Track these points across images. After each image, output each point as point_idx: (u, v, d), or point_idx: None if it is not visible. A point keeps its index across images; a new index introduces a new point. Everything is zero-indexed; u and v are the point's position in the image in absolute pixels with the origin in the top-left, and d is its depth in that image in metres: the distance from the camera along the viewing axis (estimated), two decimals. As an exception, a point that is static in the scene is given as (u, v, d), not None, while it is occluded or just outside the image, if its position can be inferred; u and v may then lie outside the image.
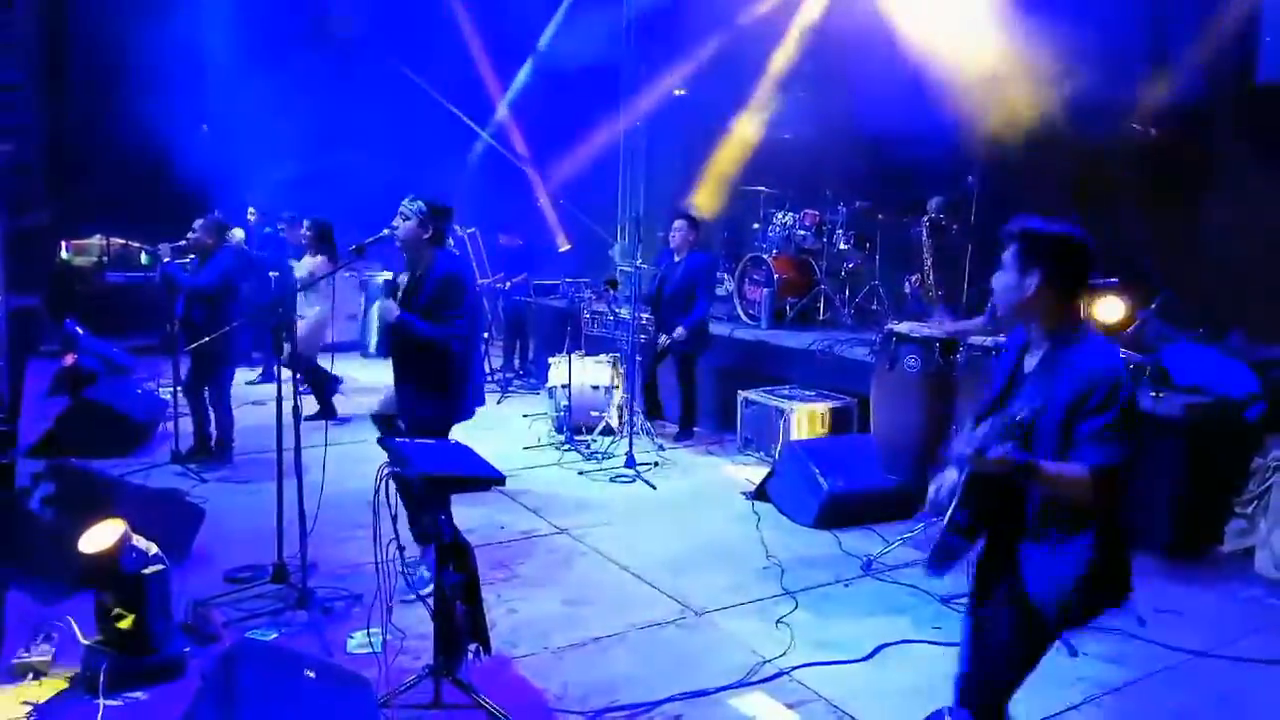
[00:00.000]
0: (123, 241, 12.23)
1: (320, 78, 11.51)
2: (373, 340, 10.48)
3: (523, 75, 12.47)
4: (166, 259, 6.51)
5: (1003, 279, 2.61)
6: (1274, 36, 6.56)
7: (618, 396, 7.36)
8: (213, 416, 6.56)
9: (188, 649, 3.68)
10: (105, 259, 12.18)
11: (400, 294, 4.58)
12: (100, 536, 3.55)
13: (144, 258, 11.96)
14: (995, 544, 2.67)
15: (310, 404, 7.51)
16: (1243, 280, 6.19)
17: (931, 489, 2.77)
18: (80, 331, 8.74)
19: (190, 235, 6.47)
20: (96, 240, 12.36)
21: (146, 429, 7.00)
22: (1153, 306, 5.75)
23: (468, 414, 4.70)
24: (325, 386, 7.82)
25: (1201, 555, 5.12)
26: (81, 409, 6.68)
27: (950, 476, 2.69)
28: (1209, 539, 5.17)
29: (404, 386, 4.65)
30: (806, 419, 6.65)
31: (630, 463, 6.60)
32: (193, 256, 6.50)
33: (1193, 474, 5.10)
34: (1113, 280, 5.61)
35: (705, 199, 9.88)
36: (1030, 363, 2.63)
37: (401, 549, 3.44)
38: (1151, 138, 6.89)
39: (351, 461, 5.18)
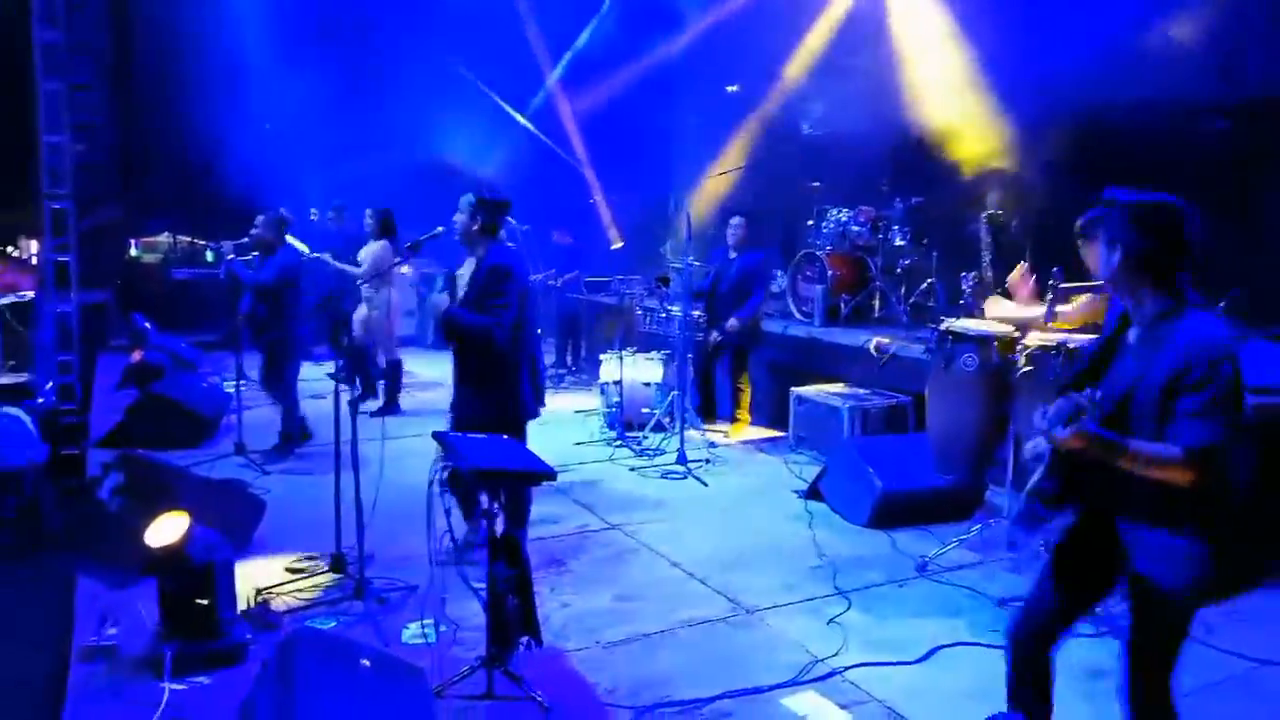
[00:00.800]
0: (189, 239, 12.62)
1: (376, 75, 11.70)
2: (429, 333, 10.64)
3: (559, 69, 12.44)
4: (230, 256, 6.68)
5: (1097, 253, 2.60)
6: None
7: (670, 394, 7.37)
8: (281, 410, 6.71)
9: (249, 636, 3.78)
10: (173, 256, 12.55)
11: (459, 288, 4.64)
12: (166, 531, 3.66)
13: (209, 255, 12.33)
14: (1093, 519, 2.63)
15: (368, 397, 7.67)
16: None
17: (1028, 447, 2.75)
18: (148, 327, 9.02)
19: (252, 232, 6.62)
20: (164, 237, 12.76)
21: (212, 422, 7.20)
22: (1221, 304, 5.57)
23: (530, 413, 4.69)
24: (396, 379, 7.96)
25: (1275, 563, 4.95)
26: (149, 402, 6.90)
27: (1041, 443, 2.67)
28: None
29: (463, 386, 4.69)
30: (861, 417, 6.59)
31: (682, 459, 6.60)
32: (255, 253, 6.65)
33: (1263, 475, 4.93)
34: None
35: (757, 196, 9.82)
36: (1132, 336, 2.59)
37: (455, 540, 3.48)
38: (1221, 130, 6.66)
39: (410, 455, 5.27)
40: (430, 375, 9.41)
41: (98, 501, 4.69)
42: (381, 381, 8.09)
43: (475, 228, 4.56)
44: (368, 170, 10.78)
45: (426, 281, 10.86)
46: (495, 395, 4.56)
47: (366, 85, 11.68)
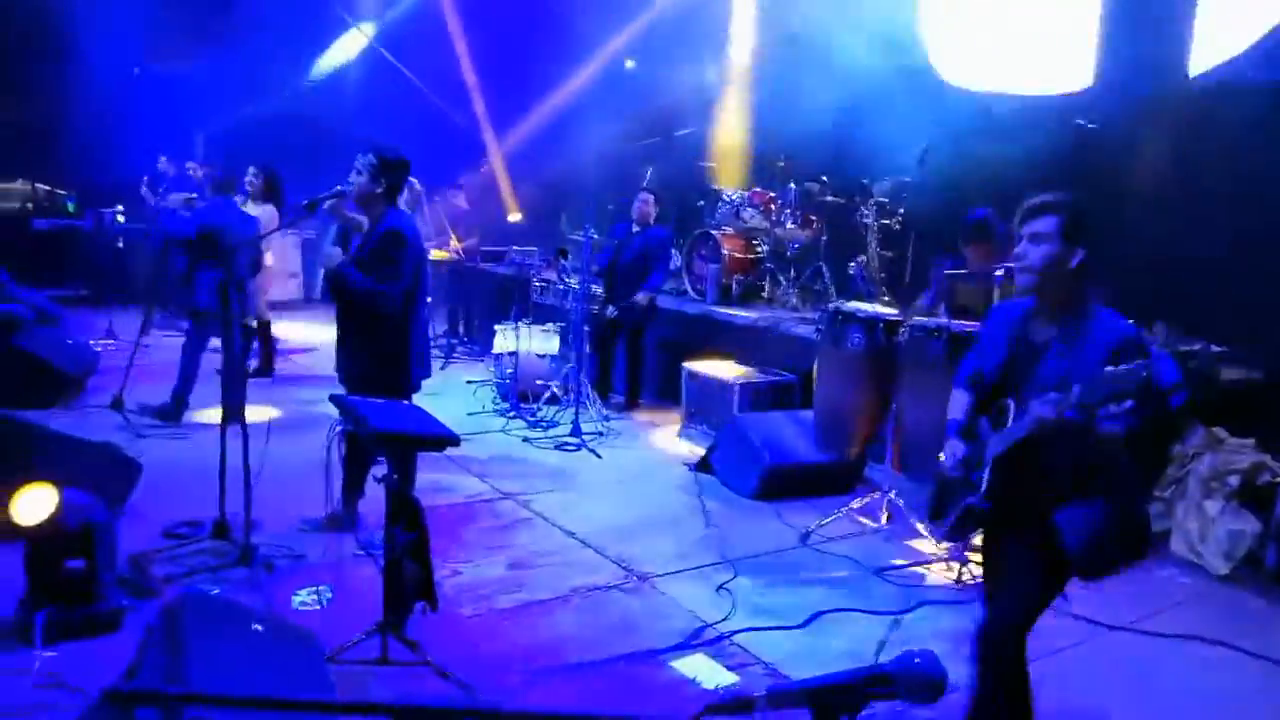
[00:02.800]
0: (48, 187, 11.81)
1: (257, 27, 11.19)
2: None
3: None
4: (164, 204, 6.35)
5: (1040, 249, 2.65)
6: (1204, 33, 6.83)
7: (564, 366, 7.39)
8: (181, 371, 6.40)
9: (126, 602, 3.63)
10: (29, 206, 11.73)
11: (351, 247, 4.50)
12: (33, 506, 3.45)
13: (69, 206, 11.59)
14: (1014, 510, 2.73)
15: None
16: (1164, 275, 6.47)
17: (945, 456, 2.87)
18: (6, 278, 8.42)
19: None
20: (19, 184, 11.90)
21: (77, 380, 6.80)
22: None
23: (413, 384, 4.58)
24: (266, 341, 7.69)
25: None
26: (9, 356, 6.45)
27: (958, 447, 2.81)
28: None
29: (343, 346, 4.58)
30: (750, 393, 6.76)
31: (576, 431, 6.64)
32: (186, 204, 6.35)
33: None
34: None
35: (657, 173, 9.91)
36: (1042, 335, 2.71)
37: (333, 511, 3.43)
38: (1090, 130, 7.11)
39: (292, 421, 5.13)
40: (306, 338, 9.14)
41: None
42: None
43: (379, 190, 4.43)
44: (244, 123, 10.37)
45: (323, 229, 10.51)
46: (380, 359, 4.46)
47: (243, 36, 11.13)
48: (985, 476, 2.68)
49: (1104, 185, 6.95)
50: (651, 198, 7.63)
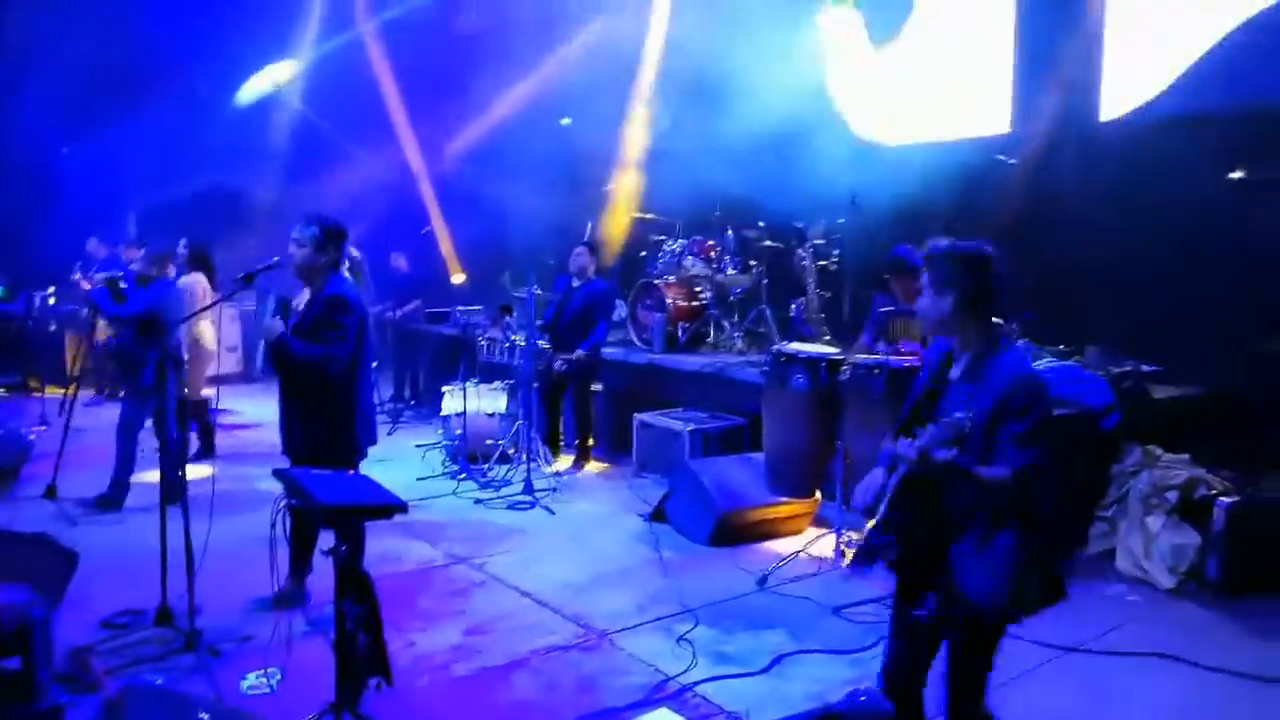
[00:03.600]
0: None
1: (187, 99, 11.17)
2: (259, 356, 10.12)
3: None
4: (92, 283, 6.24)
5: (923, 301, 2.79)
6: (1113, 79, 7.16)
7: (514, 424, 7.35)
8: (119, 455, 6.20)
9: (67, 699, 3.48)
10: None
11: (293, 318, 4.46)
12: None
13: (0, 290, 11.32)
14: (921, 545, 2.77)
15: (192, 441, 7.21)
16: (1094, 300, 6.68)
17: (857, 491, 2.90)
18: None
19: (133, 265, 6.30)
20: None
21: (9, 471, 6.59)
22: (1014, 326, 6.13)
23: (360, 452, 4.53)
24: (203, 419, 7.52)
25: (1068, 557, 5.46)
26: (-64, 451, 6.24)
27: (877, 478, 2.84)
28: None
29: (288, 418, 4.51)
30: (700, 439, 6.79)
31: (528, 489, 6.59)
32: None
33: (1061, 482, 5.43)
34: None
35: (600, 227, 10.01)
36: (955, 373, 2.81)
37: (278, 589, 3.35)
38: (1013, 167, 7.37)
39: (235, 500, 5.02)
40: (252, 415, 8.98)
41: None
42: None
43: (322, 261, 4.40)
44: (174, 198, 10.27)
45: (261, 301, 10.36)
46: (326, 429, 4.40)
47: (174, 109, 11.08)
48: (882, 510, 2.73)
49: (1029, 216, 7.21)
50: (587, 249, 7.68)
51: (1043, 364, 5.81)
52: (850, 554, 2.90)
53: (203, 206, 10.32)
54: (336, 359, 4.32)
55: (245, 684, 3.79)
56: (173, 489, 4.28)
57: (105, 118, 10.70)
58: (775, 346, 5.96)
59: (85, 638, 4.08)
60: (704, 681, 3.94)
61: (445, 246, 11.52)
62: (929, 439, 2.56)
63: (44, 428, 8.09)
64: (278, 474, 3.61)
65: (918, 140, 8.34)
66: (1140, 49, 7.02)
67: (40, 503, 6.10)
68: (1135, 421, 5.49)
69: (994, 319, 2.78)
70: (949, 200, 7.43)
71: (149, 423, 6.11)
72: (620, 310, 9.17)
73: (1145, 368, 6.05)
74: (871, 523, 2.75)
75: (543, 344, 7.44)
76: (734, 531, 5.67)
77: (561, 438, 7.83)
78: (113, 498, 6.12)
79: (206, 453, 7.35)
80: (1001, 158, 7.37)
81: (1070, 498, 5.43)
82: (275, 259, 4.38)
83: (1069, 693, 3.93)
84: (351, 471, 3.82)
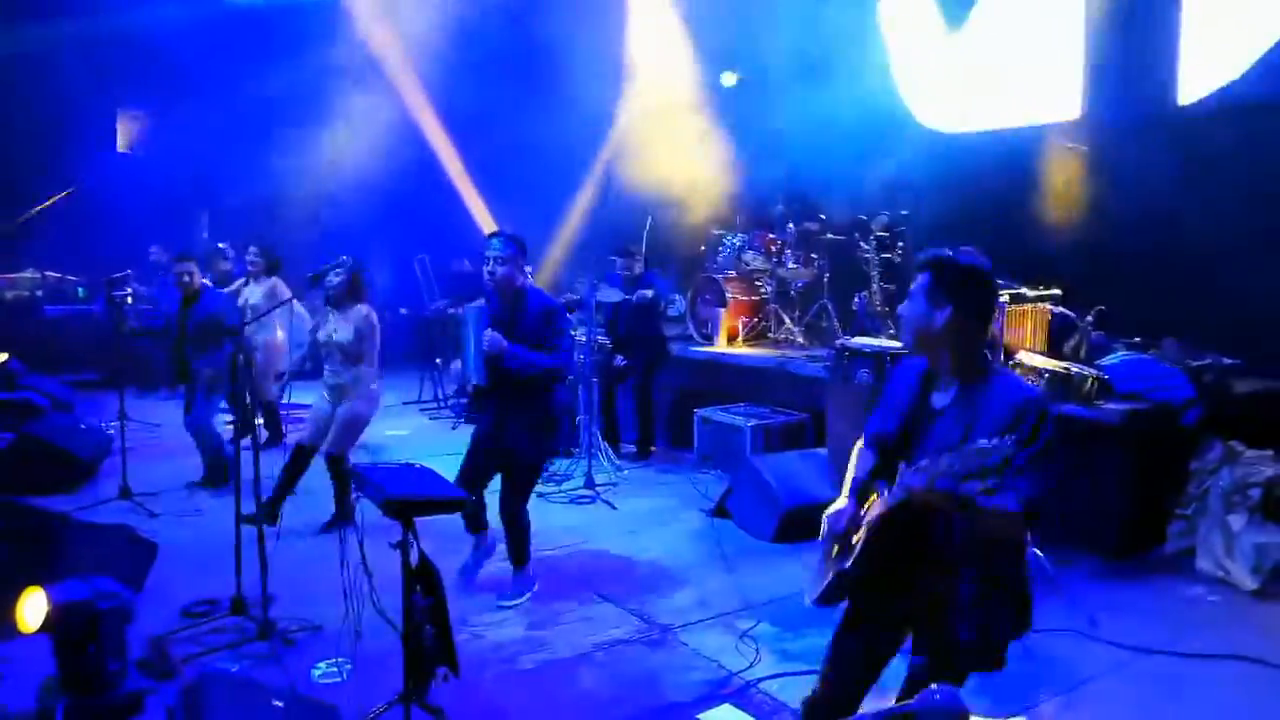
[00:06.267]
0: (58, 275, 11.98)
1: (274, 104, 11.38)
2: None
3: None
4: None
5: (911, 308, 2.55)
6: (1190, 62, 6.90)
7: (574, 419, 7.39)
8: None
9: (147, 685, 3.59)
10: (40, 293, 11.90)
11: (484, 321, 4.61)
12: (30, 613, 3.44)
13: (80, 291, 11.74)
14: (895, 580, 2.60)
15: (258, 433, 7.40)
16: (1173, 291, 6.45)
17: (826, 520, 2.76)
18: (16, 365, 8.51)
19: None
20: (30, 274, 12.07)
21: (90, 465, 6.83)
22: (1089, 318, 5.96)
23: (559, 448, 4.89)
24: (272, 419, 7.73)
25: (1147, 557, 5.30)
26: (24, 445, 6.50)
27: (847, 505, 2.70)
28: (1153, 541, 5.35)
29: (512, 423, 4.64)
30: (763, 434, 6.74)
31: (589, 484, 6.62)
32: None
33: (1136, 479, 5.28)
34: (1055, 293, 5.79)
35: (662, 221, 9.98)
36: (941, 400, 2.56)
37: (370, 574, 3.42)
38: (1085, 154, 7.16)
39: (306, 494, 5.13)
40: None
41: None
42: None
43: (519, 273, 4.61)
44: (244, 203, 10.51)
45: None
46: (539, 428, 4.64)
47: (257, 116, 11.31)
48: (860, 543, 2.55)
49: (1100, 204, 7.00)
50: (640, 247, 7.78)
51: (1115, 358, 5.67)
52: (818, 590, 2.72)
53: (271, 208, 10.54)
54: (567, 367, 4.60)
55: (317, 673, 3.87)
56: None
57: (175, 120, 11.00)
58: (839, 341, 5.89)
59: (165, 626, 4.21)
60: (768, 678, 3.91)
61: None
62: (946, 469, 2.23)
63: (119, 424, 8.35)
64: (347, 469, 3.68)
65: (985, 128, 8.14)
66: (1219, 30, 6.75)
67: (119, 497, 6.30)
68: (1216, 417, 5.30)
69: (984, 340, 2.57)
70: (1017, 189, 7.25)
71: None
72: (679, 305, 9.16)
73: (1226, 361, 5.83)
74: (837, 555, 2.58)
75: (601, 340, 7.46)
76: (798, 528, 5.61)
77: (619, 433, 7.84)
78: (213, 477, 6.47)
79: (275, 442, 7.54)
80: (1071, 145, 7.16)
81: (1148, 495, 5.28)
82: (343, 257, 4.47)
83: (1145, 695, 3.81)
84: (419, 465, 3.86)
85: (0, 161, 10.97)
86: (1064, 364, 5.40)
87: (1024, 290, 5.92)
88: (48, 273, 11.99)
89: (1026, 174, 7.26)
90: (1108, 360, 5.67)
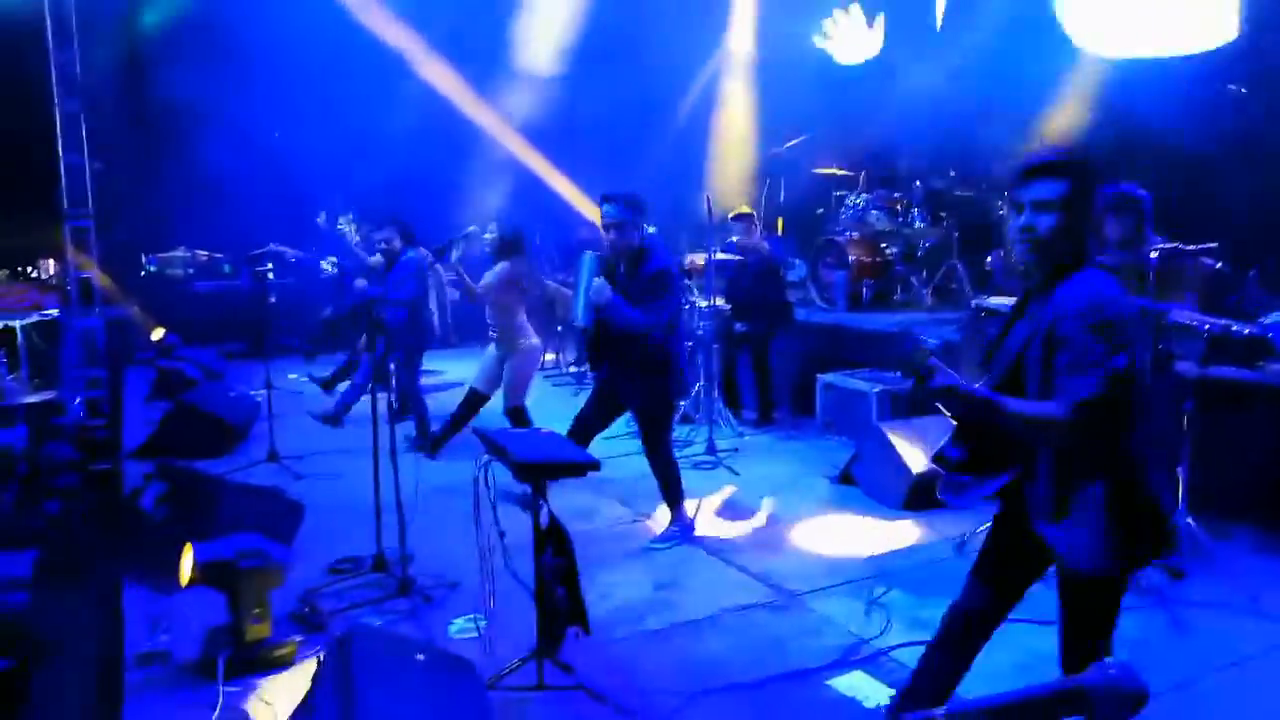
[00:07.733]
0: (205, 253, 12.69)
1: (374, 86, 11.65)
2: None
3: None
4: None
5: (1047, 219, 2.39)
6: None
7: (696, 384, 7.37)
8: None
9: (299, 637, 3.81)
10: (191, 270, 12.63)
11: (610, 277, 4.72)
12: (184, 570, 3.68)
13: (226, 267, 12.41)
14: (1007, 517, 2.55)
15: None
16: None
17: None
18: (173, 339, 9.09)
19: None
20: (180, 252, 12.83)
21: (240, 431, 7.24)
22: (1251, 274, 5.54)
23: (677, 403, 5.14)
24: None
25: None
26: (181, 413, 6.94)
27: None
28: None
29: (621, 375, 4.84)
30: (889, 400, 6.57)
31: (711, 449, 6.60)
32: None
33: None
34: (1212, 245, 5.39)
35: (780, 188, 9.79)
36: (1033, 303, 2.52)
37: (503, 534, 3.50)
38: (1245, 97, 6.61)
39: (440, 454, 5.27)
40: (454, 375, 9.44)
41: (138, 512, 4.72)
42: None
43: (637, 235, 4.70)
44: (389, 178, 10.77)
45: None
46: (654, 379, 4.77)
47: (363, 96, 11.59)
48: (942, 442, 2.58)
49: (1263, 142, 6.46)
50: (750, 214, 7.63)
51: (1275, 317, 5.25)
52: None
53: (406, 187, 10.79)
54: (658, 325, 4.64)
55: (453, 628, 4.01)
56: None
57: (317, 103, 11.35)
58: (974, 301, 5.65)
59: (312, 582, 4.43)
60: (899, 646, 3.82)
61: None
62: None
63: (266, 392, 8.81)
64: (477, 431, 3.77)
65: (1138, 53, 7.51)
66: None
67: (267, 460, 6.66)
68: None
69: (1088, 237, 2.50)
70: (1169, 125, 6.69)
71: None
72: (800, 268, 9.00)
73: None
74: (935, 453, 2.62)
75: (720, 301, 7.39)
76: (928, 496, 5.43)
77: (739, 399, 7.78)
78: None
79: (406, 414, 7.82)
80: (1231, 87, 6.61)
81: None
82: (471, 228, 4.56)
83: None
84: (547, 429, 3.93)
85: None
86: (1223, 321, 5.02)
87: (1179, 245, 5.54)
88: (196, 251, 12.72)
89: (1179, 107, 6.68)
90: (1270, 318, 5.25)
